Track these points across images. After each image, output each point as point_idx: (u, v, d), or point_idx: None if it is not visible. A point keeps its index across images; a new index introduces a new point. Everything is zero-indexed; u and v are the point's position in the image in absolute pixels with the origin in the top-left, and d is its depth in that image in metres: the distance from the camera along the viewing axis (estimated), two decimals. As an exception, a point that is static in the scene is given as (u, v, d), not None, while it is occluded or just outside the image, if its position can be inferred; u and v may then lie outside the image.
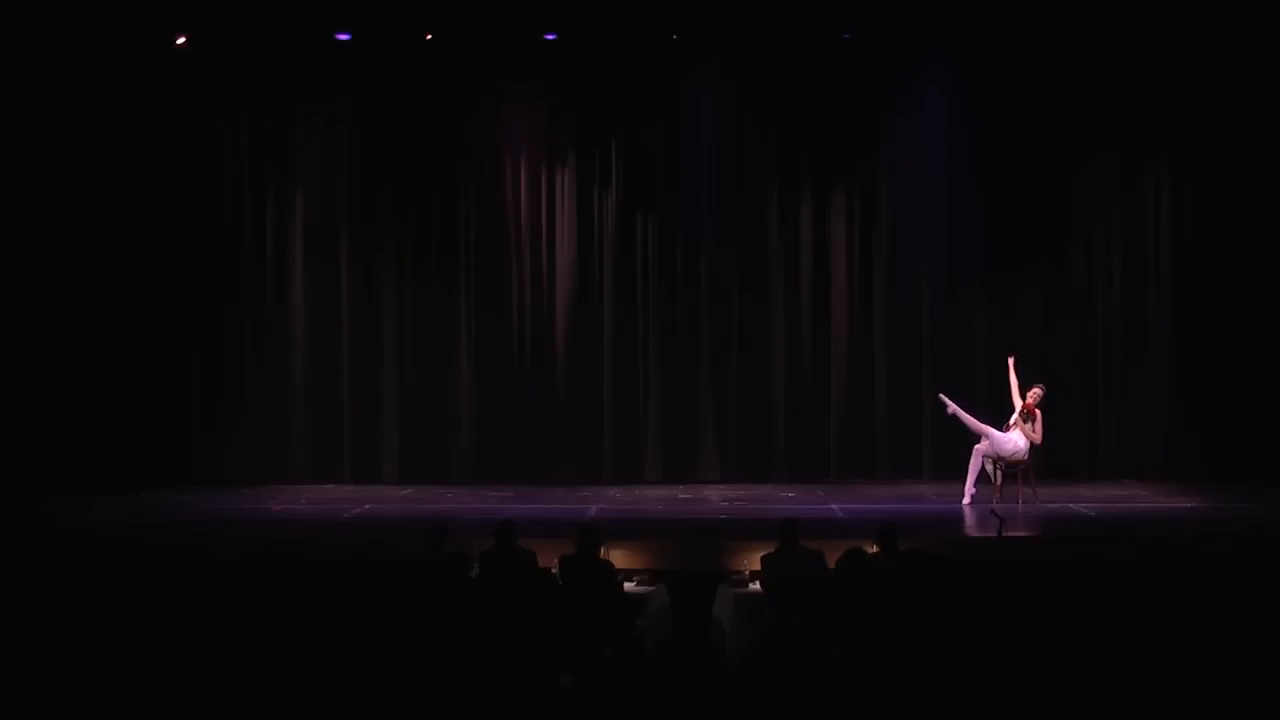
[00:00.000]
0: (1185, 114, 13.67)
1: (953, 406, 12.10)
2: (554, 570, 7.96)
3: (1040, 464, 12.38)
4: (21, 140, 12.58)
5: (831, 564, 7.79)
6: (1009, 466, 11.97)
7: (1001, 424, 12.02)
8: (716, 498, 12.91)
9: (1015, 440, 11.90)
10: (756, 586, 8.55)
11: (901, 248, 14.21)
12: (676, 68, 13.96)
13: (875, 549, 7.86)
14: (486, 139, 14.17)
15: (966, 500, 11.98)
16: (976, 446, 12.01)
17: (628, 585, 8.62)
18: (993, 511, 10.19)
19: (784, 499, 12.77)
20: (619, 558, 8.72)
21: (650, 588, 8.67)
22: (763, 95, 14.00)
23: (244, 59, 13.80)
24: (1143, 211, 14.13)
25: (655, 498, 12.99)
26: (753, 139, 14.09)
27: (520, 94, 14.16)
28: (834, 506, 12.11)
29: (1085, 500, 12.15)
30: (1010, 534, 10.14)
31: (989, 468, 12.01)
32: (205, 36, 13.61)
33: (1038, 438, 11.92)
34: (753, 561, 9.07)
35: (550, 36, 13.83)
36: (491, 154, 14.23)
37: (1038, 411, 11.93)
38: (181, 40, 13.54)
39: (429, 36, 13.80)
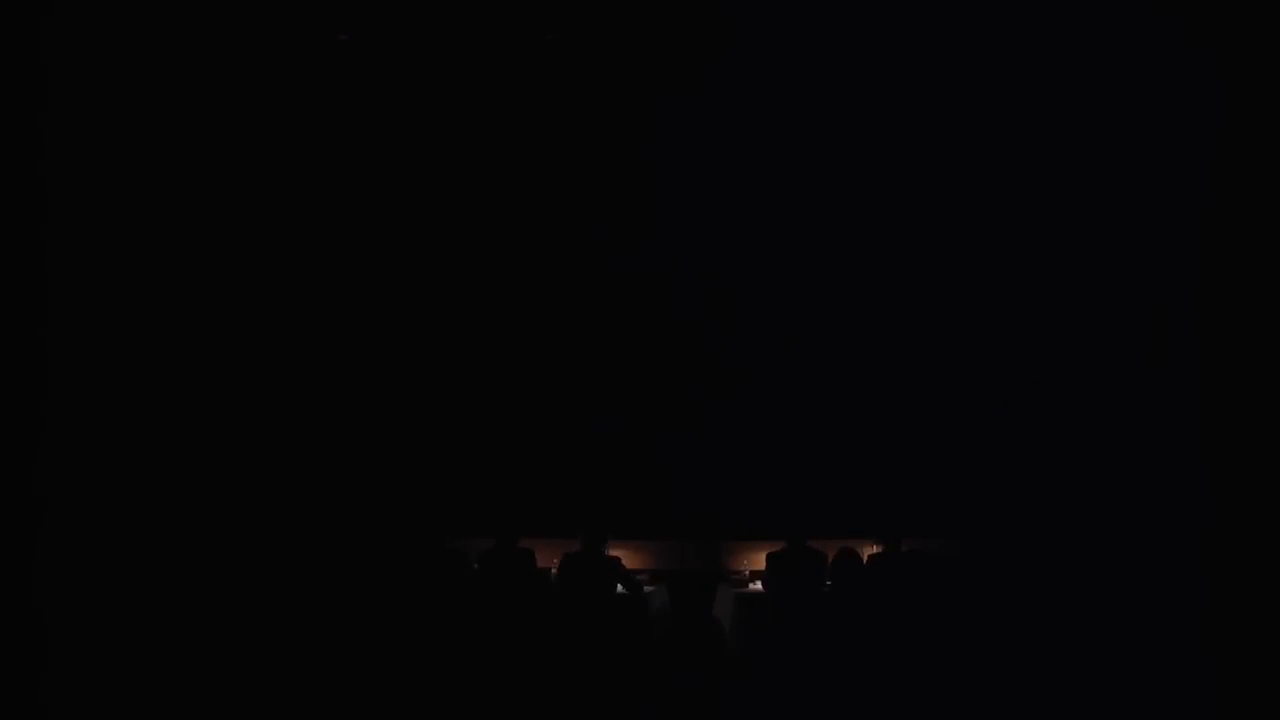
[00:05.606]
0: (1189, 121, 13.66)
1: (948, 412, 12.10)
2: (554, 570, 7.97)
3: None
4: (30, 140, 12.52)
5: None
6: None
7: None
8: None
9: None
10: (757, 586, 8.56)
11: (901, 251, 14.19)
12: (675, 69, 13.95)
13: (878, 549, 7.88)
14: (487, 138, 14.17)
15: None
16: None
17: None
18: (991, 511, 10.20)
19: (786, 499, 12.74)
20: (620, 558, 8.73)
21: (650, 588, 8.67)
22: (762, 97, 13.99)
23: (241, 57, 13.78)
24: (1144, 217, 14.11)
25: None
26: (752, 140, 14.07)
27: (520, 95, 14.15)
28: (836, 506, 12.09)
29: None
30: (1009, 533, 10.13)
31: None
32: (205, 34, 13.60)
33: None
34: (753, 561, 9.08)
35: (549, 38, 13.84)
36: (493, 153, 14.23)
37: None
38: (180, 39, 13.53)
39: (429, 37, 13.80)
